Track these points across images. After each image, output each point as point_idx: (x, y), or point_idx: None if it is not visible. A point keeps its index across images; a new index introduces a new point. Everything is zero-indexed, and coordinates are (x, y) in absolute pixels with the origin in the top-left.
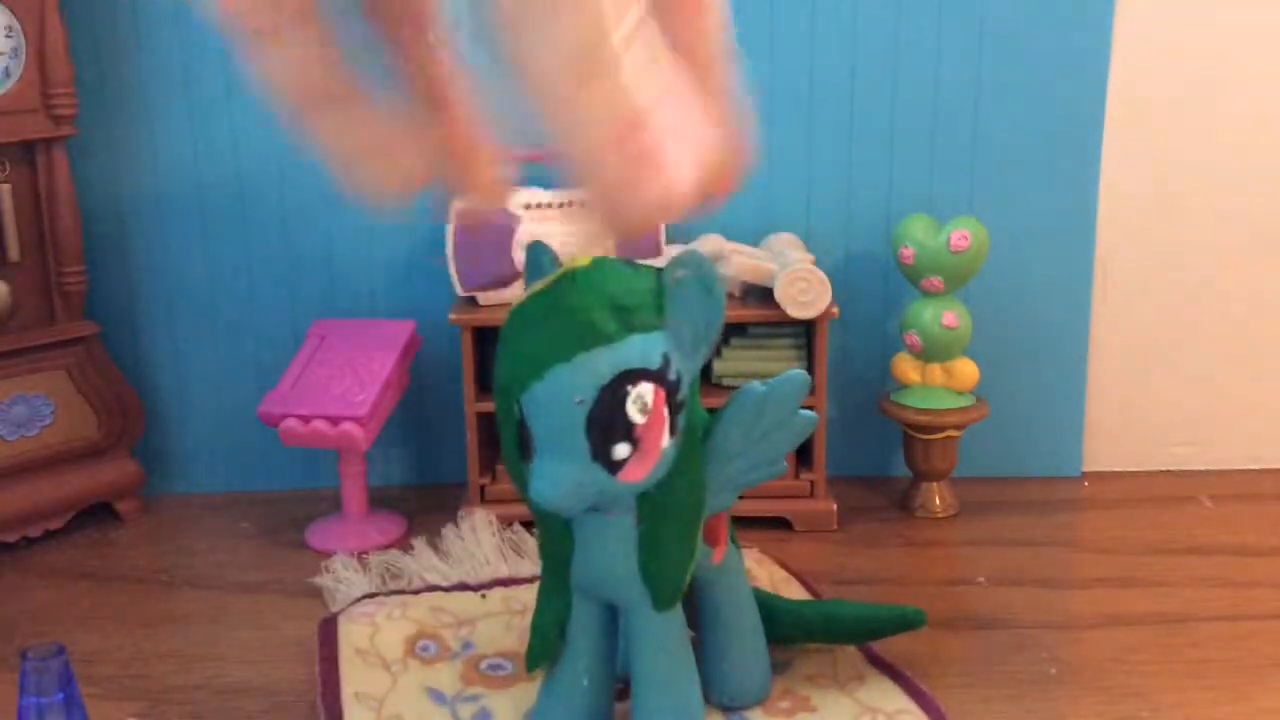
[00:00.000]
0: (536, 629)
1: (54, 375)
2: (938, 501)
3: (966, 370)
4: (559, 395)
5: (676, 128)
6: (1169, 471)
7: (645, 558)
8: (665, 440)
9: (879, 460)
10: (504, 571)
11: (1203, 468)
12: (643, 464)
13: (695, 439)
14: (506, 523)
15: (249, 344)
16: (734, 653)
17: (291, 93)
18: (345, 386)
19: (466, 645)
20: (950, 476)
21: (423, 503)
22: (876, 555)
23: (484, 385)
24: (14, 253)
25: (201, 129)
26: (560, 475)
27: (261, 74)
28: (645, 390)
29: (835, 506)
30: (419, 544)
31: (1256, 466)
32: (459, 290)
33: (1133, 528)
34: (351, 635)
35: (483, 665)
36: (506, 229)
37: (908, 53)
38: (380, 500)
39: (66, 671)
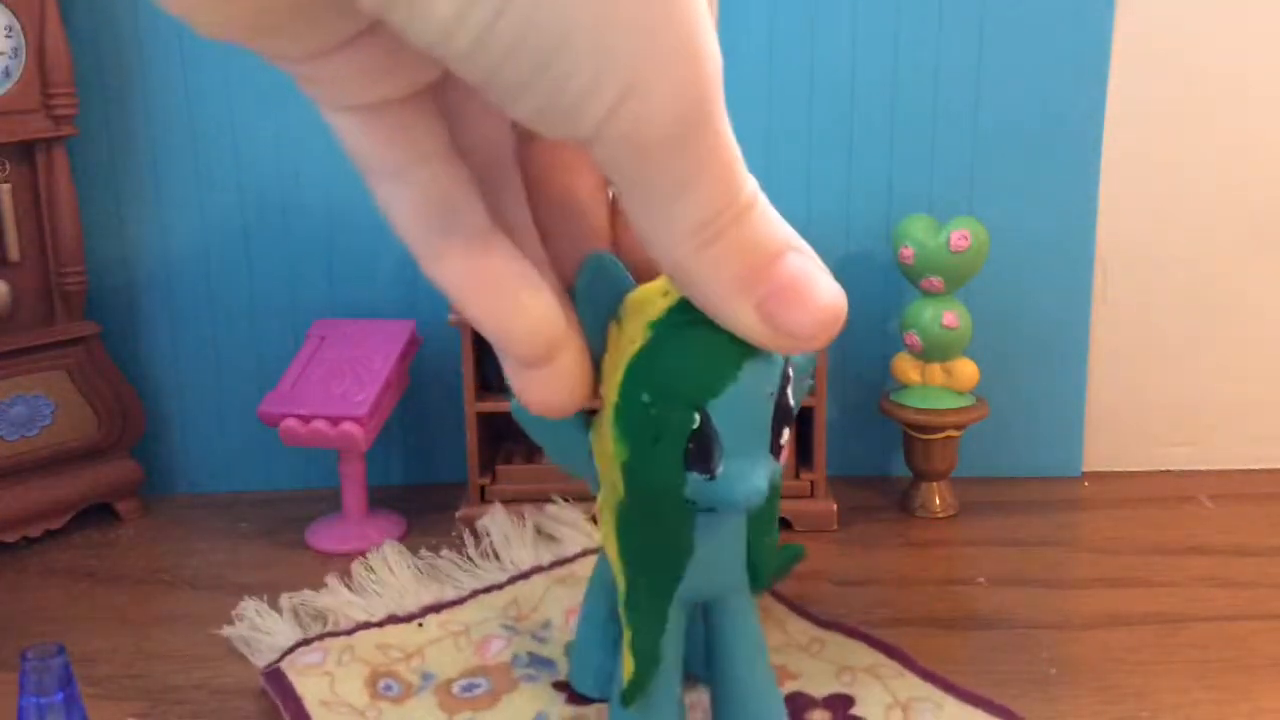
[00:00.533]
0: (641, 656)
1: (54, 375)
2: (938, 501)
3: (966, 370)
4: (753, 391)
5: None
6: (1169, 471)
7: (755, 542)
8: None
9: (879, 460)
10: (427, 598)
11: (1203, 468)
12: (790, 444)
13: None
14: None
15: (249, 344)
16: (761, 688)
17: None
18: (345, 386)
19: (426, 676)
20: (950, 476)
21: (423, 503)
22: (876, 555)
23: (484, 385)
24: (14, 253)
25: (202, 129)
26: (757, 471)
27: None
28: (792, 372)
29: (835, 506)
30: (331, 581)
31: (1256, 466)
32: None
33: (1133, 528)
34: (309, 688)
35: (455, 689)
36: None
37: (908, 53)
38: (380, 500)
39: (66, 671)
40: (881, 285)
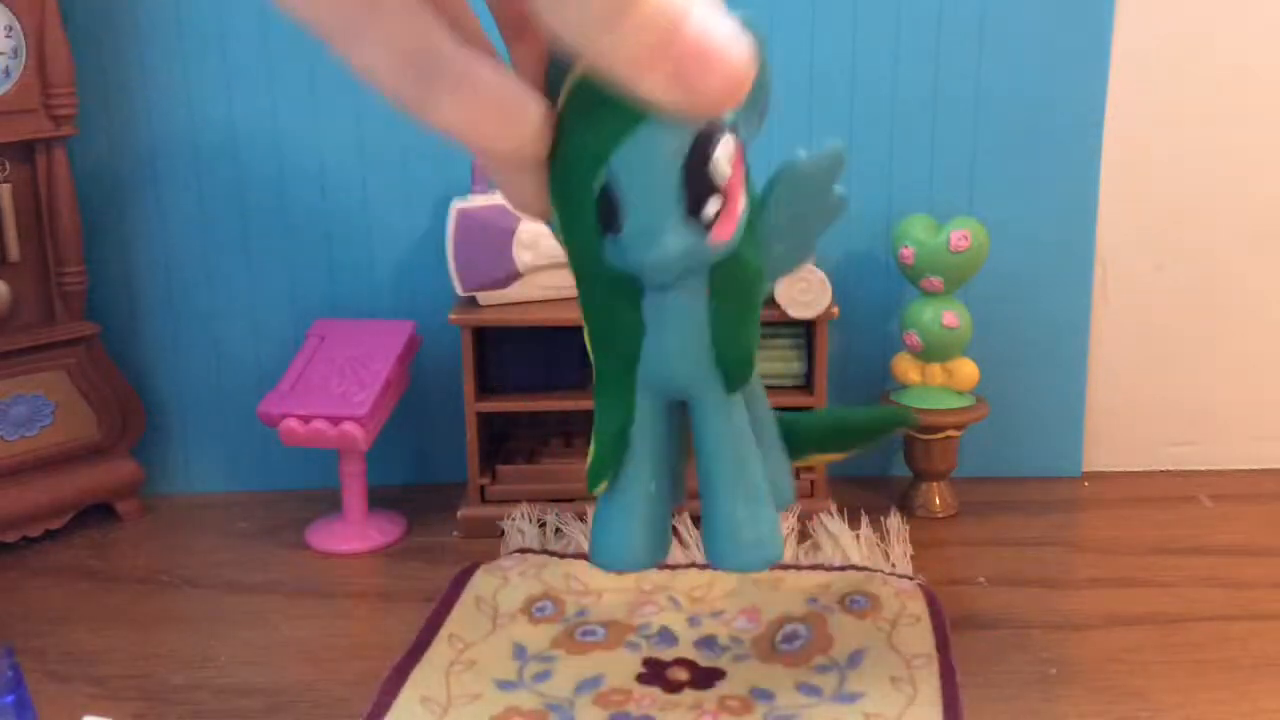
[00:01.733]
0: (601, 437)
1: (54, 375)
2: (938, 501)
3: (966, 370)
4: (655, 150)
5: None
6: (1169, 471)
7: (720, 334)
8: (743, 199)
9: (879, 460)
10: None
11: (1203, 468)
12: (729, 220)
13: (754, 205)
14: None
15: (249, 344)
16: (770, 454)
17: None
18: (345, 386)
19: (581, 612)
20: (950, 476)
21: (423, 503)
22: None
23: (484, 385)
24: (14, 253)
25: (201, 128)
26: (665, 229)
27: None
28: (729, 141)
29: (835, 506)
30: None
31: (1256, 466)
32: (459, 290)
33: (1133, 528)
34: (479, 584)
35: (578, 633)
36: (506, 229)
37: (907, 53)
38: (380, 500)
39: (16, 674)
40: (881, 285)
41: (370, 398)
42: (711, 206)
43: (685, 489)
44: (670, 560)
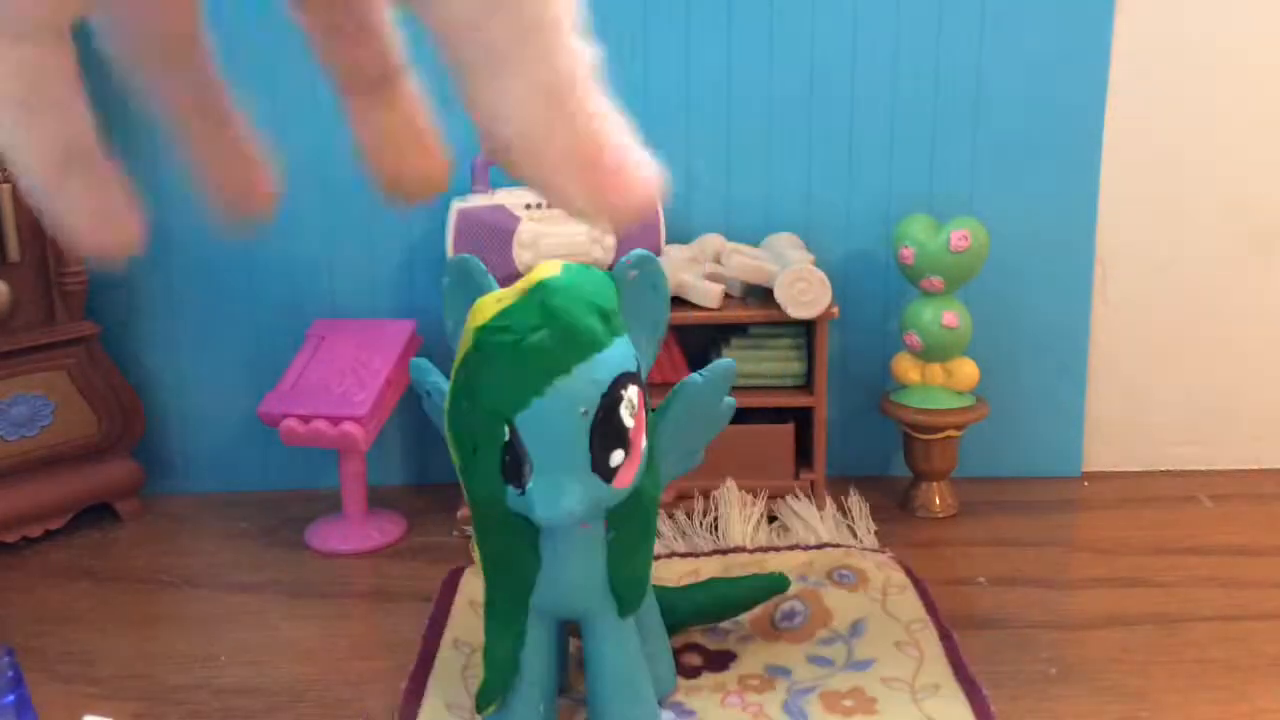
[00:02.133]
0: (494, 662)
1: (54, 375)
2: (938, 501)
3: (966, 370)
4: (563, 409)
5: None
6: (1169, 471)
7: (616, 564)
8: (644, 441)
9: (879, 460)
10: None
11: (1203, 468)
12: (632, 468)
13: (650, 433)
14: None
15: (249, 344)
16: (651, 644)
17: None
18: (345, 386)
19: None
20: (950, 476)
21: (423, 503)
22: None
23: None
24: (14, 253)
25: None
26: (568, 490)
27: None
28: (634, 392)
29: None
30: None
31: (1256, 466)
32: None
33: (1133, 528)
34: (470, 587)
35: None
36: (506, 229)
37: (907, 52)
38: (380, 500)
39: (16, 674)
40: (881, 285)
41: (370, 398)
42: (617, 457)
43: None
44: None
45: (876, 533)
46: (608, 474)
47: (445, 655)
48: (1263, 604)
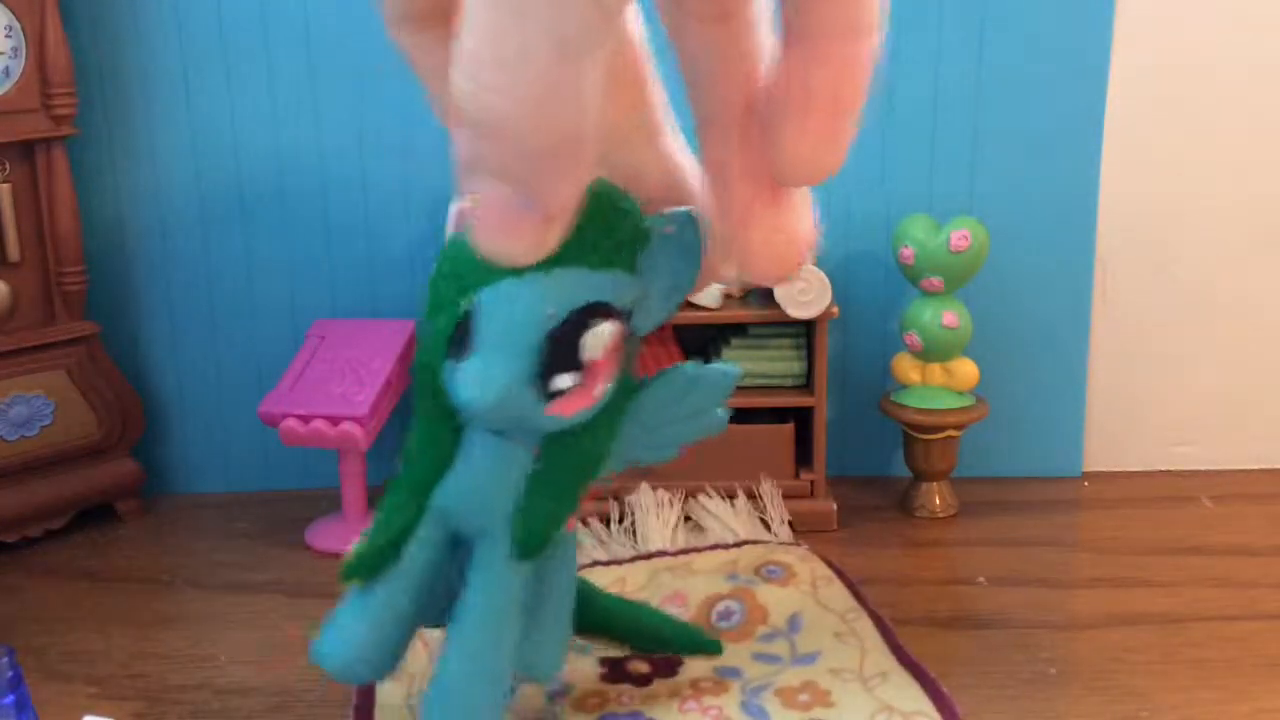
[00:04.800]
0: (373, 539)
1: (54, 375)
2: (938, 501)
3: (966, 370)
4: (529, 301)
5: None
6: (1169, 471)
7: (530, 499)
8: (603, 386)
9: (879, 460)
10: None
11: (1203, 468)
12: (577, 402)
13: (620, 399)
14: None
15: (249, 344)
16: (547, 625)
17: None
18: (345, 386)
19: None
20: (950, 476)
21: None
22: (876, 555)
23: None
24: (14, 253)
25: (201, 129)
26: (497, 379)
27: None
28: (609, 328)
29: (835, 506)
30: None
31: (1256, 466)
32: None
33: (1133, 528)
34: None
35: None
36: None
37: (907, 52)
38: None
39: (16, 674)
40: (881, 285)
41: (370, 398)
42: (563, 381)
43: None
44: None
45: (911, 557)
46: (546, 393)
47: (384, 687)
48: (1263, 604)
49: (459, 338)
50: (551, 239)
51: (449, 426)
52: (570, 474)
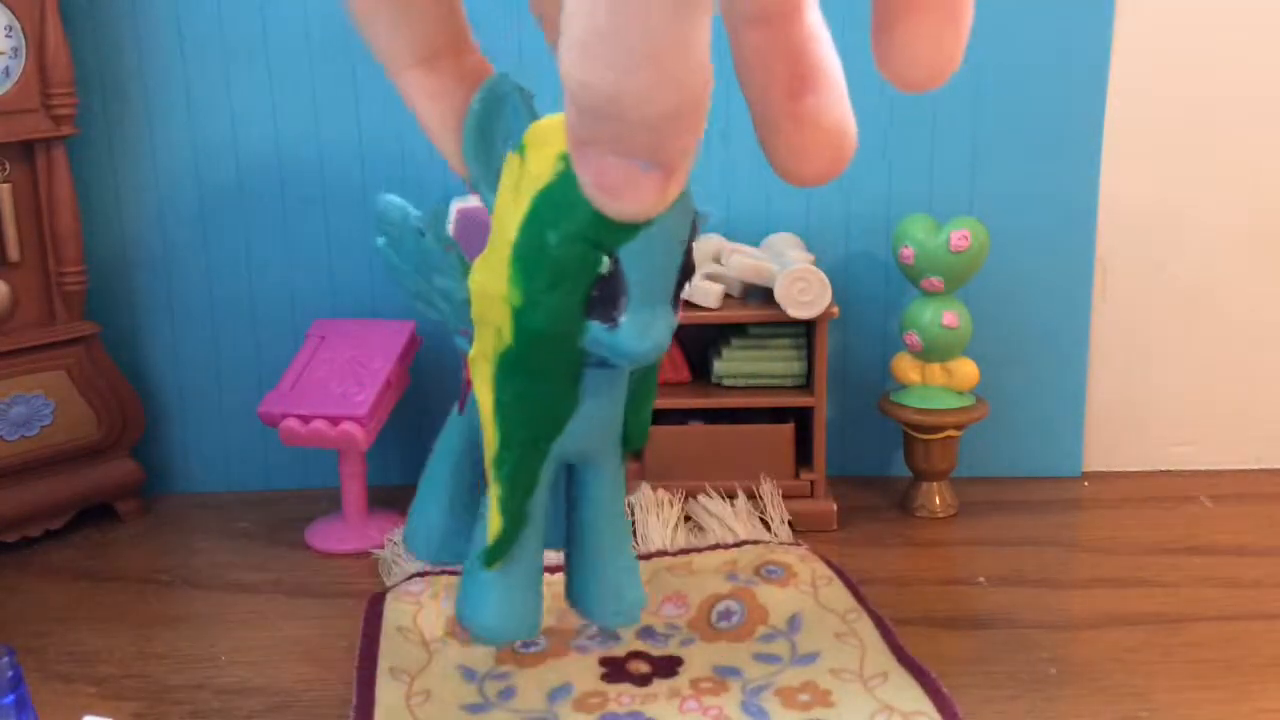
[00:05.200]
0: (512, 514)
1: (54, 375)
2: (938, 501)
3: (966, 370)
4: (665, 240)
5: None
6: (1169, 471)
7: (638, 403)
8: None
9: (879, 460)
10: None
11: (1203, 468)
12: (680, 298)
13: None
14: None
15: (249, 344)
16: (625, 559)
17: None
18: (345, 386)
19: None
20: (950, 476)
21: None
22: (876, 555)
23: None
24: (14, 253)
25: (201, 129)
26: (660, 327)
27: None
28: (699, 233)
29: (835, 506)
30: None
31: (1256, 466)
32: None
33: (1133, 528)
34: (396, 613)
35: (517, 644)
36: None
37: None
38: (380, 500)
39: (16, 674)
40: (881, 285)
41: (370, 398)
42: (685, 290)
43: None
44: None
45: (912, 557)
46: (677, 304)
47: (384, 687)
48: (1263, 604)
49: (604, 299)
50: (675, 189)
51: (572, 379)
52: (650, 375)
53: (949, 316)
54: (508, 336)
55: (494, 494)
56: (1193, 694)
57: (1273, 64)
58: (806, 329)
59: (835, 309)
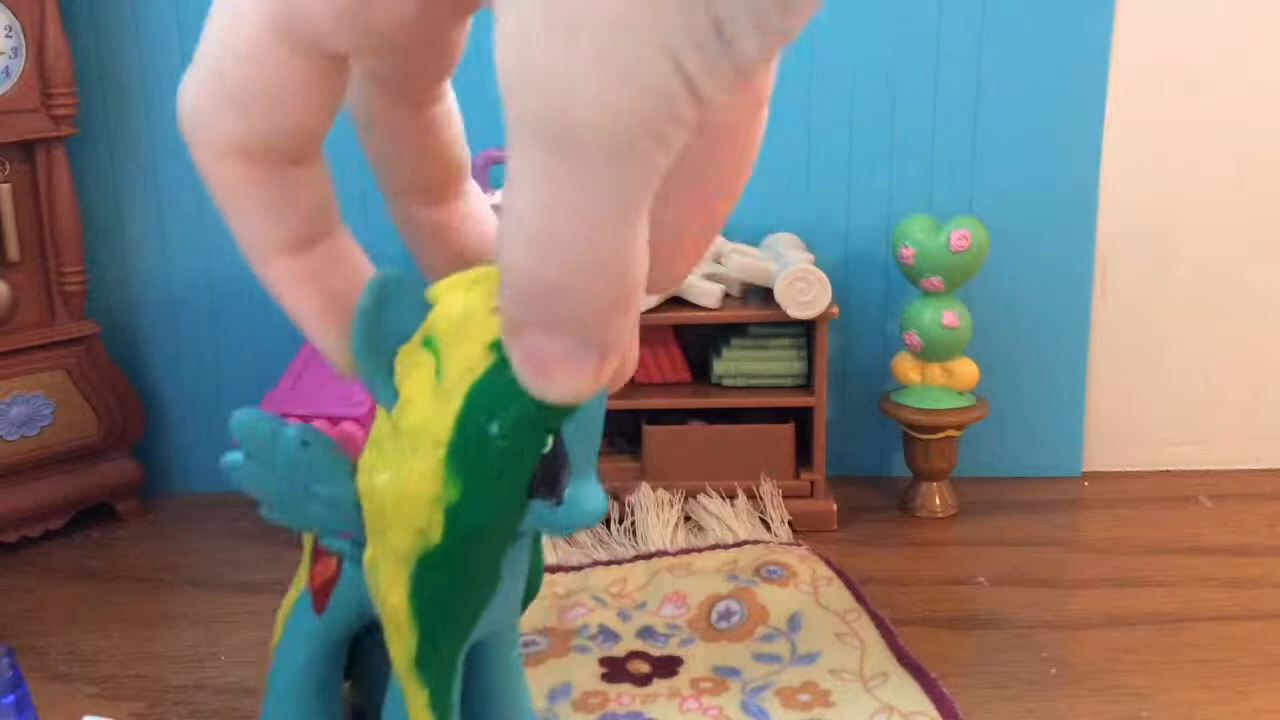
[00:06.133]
0: (443, 709)
1: (54, 375)
2: (938, 501)
3: (966, 370)
4: (596, 405)
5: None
6: (1169, 471)
7: (536, 566)
8: None
9: (879, 460)
10: (550, 559)
11: (1203, 468)
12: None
13: None
14: None
15: (249, 344)
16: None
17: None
18: (345, 386)
19: None
20: (950, 476)
21: None
22: (876, 555)
23: None
24: (14, 253)
25: None
26: (597, 488)
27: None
28: None
29: (835, 506)
30: None
31: (1256, 466)
32: None
33: (1133, 528)
34: None
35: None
36: None
37: (908, 52)
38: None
39: (16, 674)
40: (881, 285)
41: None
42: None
43: None
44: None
45: (912, 558)
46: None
47: None
48: (1263, 604)
49: (546, 477)
50: (609, 371)
51: (498, 562)
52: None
53: (949, 316)
54: (436, 536)
55: (419, 698)
56: (1193, 694)
57: (1273, 64)
58: (806, 329)
59: (835, 309)
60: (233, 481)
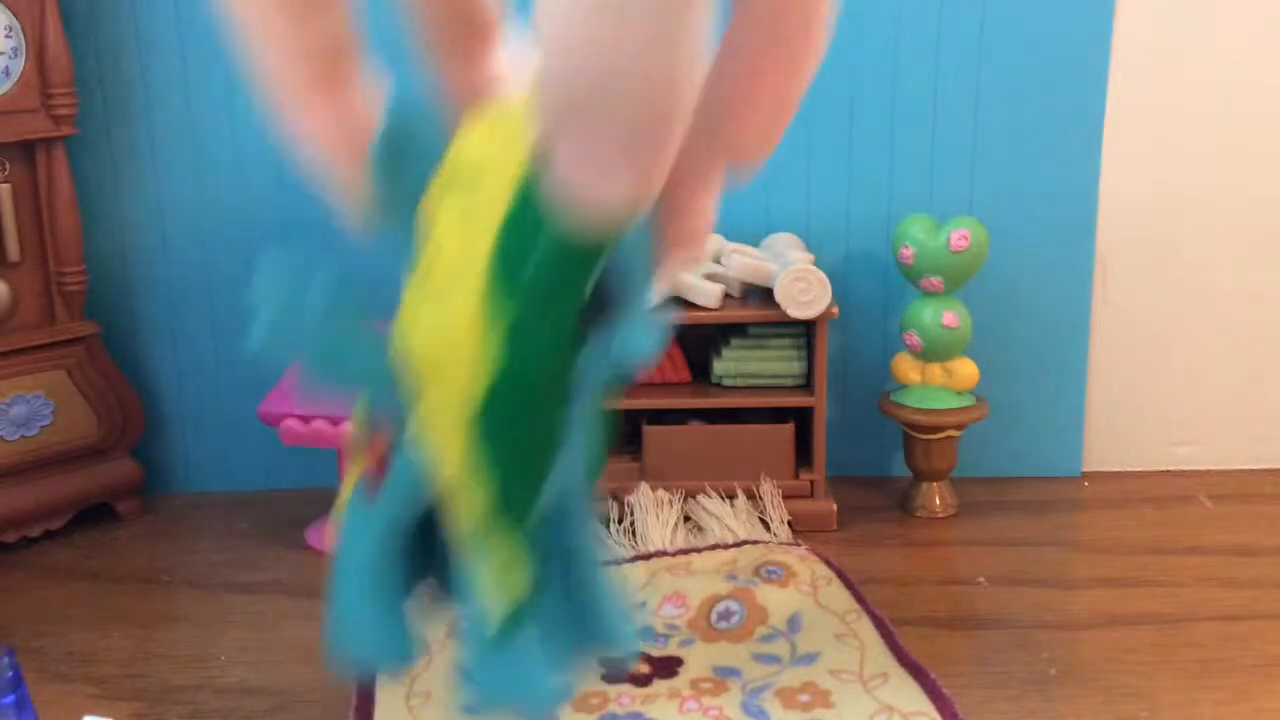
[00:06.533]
0: (520, 578)
1: (54, 375)
2: (938, 501)
3: (966, 370)
4: (643, 248)
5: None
6: (1169, 471)
7: (598, 440)
8: None
9: (879, 460)
10: None
11: (1203, 468)
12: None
13: None
14: None
15: (249, 344)
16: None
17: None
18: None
19: None
20: (950, 476)
21: None
22: (876, 555)
23: None
24: (14, 253)
25: (201, 128)
26: (653, 320)
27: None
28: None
29: (835, 506)
30: None
31: (1256, 466)
32: None
33: (1133, 528)
34: None
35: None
36: None
37: (908, 53)
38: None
39: (16, 674)
40: (881, 285)
41: None
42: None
43: None
44: None
45: (912, 558)
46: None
47: (384, 687)
48: (1263, 604)
49: (597, 308)
50: (646, 195)
51: (559, 413)
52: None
53: (949, 316)
54: (485, 377)
55: (490, 565)
56: (1193, 694)
57: (1273, 65)
58: (806, 329)
59: (835, 309)
60: (262, 343)
